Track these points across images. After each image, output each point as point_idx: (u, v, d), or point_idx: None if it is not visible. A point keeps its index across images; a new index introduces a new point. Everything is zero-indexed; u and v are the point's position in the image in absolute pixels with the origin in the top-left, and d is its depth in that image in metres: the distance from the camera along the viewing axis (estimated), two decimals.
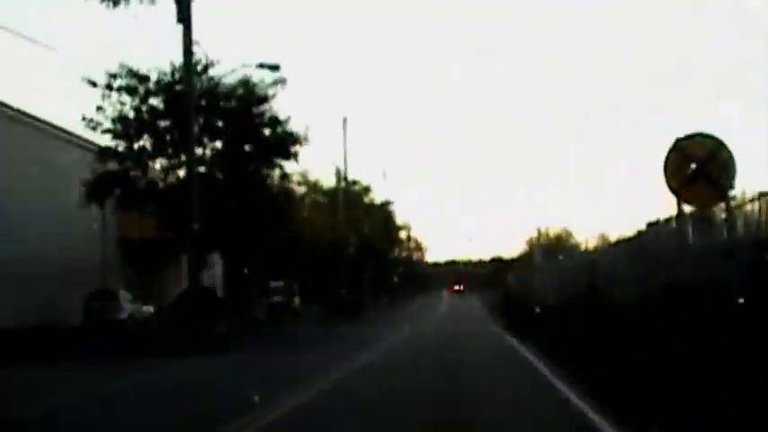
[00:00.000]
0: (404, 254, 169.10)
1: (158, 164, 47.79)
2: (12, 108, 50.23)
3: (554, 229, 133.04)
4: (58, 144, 53.93)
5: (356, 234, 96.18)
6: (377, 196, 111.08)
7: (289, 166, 51.98)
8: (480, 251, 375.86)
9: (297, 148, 49.25)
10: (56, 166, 51.22)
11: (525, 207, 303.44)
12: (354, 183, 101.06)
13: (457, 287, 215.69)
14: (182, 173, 48.07)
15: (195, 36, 39.06)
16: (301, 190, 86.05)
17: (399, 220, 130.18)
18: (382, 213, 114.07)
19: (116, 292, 53.91)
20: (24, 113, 51.52)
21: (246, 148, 48.85)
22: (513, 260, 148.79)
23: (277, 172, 50.84)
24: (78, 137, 51.56)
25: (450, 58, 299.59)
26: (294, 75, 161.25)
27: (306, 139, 49.05)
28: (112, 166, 46.52)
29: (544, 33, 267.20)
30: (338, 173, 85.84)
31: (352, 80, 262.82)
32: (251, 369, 28.45)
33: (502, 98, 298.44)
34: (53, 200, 50.65)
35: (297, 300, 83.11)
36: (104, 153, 46.36)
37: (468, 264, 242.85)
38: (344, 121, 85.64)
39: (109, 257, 60.68)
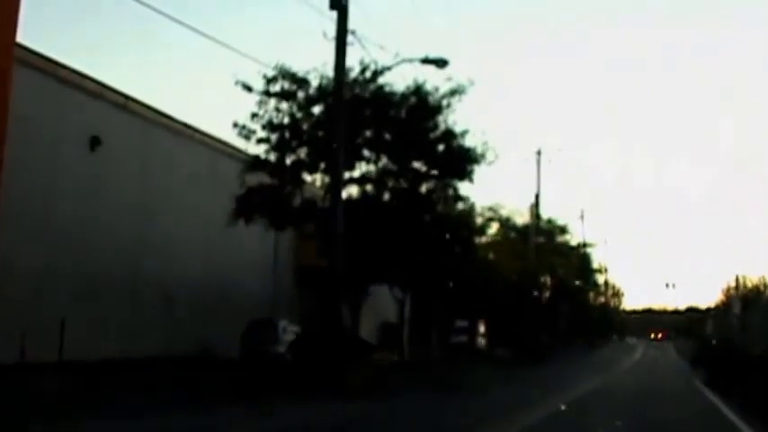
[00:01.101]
0: (600, 299, 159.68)
1: (319, 179, 39.94)
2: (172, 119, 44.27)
3: (752, 279, 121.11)
4: (218, 156, 46.77)
5: (549, 275, 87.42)
6: (573, 237, 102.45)
7: (465, 189, 43.48)
8: (676, 299, 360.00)
9: (473, 166, 40.73)
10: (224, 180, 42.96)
11: (724, 255, 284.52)
12: (549, 222, 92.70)
13: (655, 335, 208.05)
14: (349, 191, 40.81)
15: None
16: (493, 226, 78.04)
17: (596, 264, 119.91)
18: (578, 255, 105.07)
19: (275, 322, 45.14)
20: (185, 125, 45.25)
21: (416, 164, 40.65)
22: (708, 309, 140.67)
23: (451, 193, 42.28)
24: (234, 147, 43.48)
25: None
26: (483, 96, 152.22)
27: (484, 156, 40.68)
28: (265, 180, 39.02)
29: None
30: (531, 208, 76.88)
31: (547, 103, 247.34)
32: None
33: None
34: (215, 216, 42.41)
35: (482, 340, 74.89)
36: (256, 163, 38.80)
37: (663, 312, 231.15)
38: (539, 153, 77.09)
39: (281, 286, 53.46)
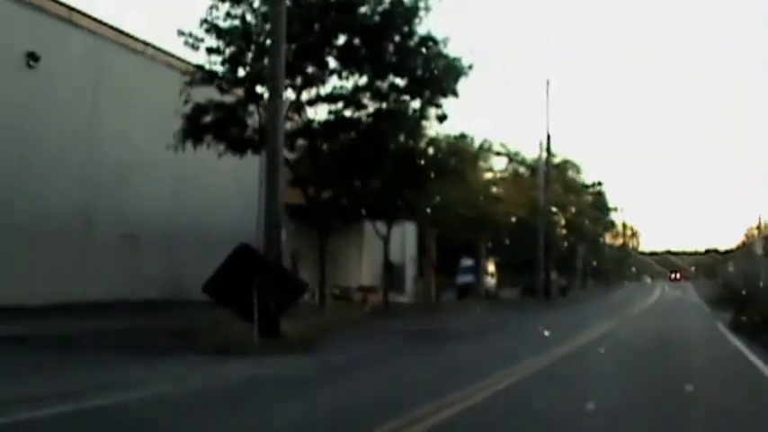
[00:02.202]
0: (618, 240, 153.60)
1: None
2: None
3: None
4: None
5: (562, 213, 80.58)
6: (588, 176, 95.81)
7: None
8: (695, 241, 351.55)
9: (457, 79, 33.70)
10: None
11: (746, 196, 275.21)
12: (565, 162, 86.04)
13: (674, 276, 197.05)
14: (318, 111, 34.31)
15: None
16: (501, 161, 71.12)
17: (612, 204, 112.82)
18: (593, 194, 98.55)
19: None
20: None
21: (393, 80, 33.82)
22: (729, 251, 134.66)
23: (433, 113, 35.14)
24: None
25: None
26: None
27: (471, 67, 33.67)
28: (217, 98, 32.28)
29: None
30: (541, 145, 69.79)
31: (558, 40, 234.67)
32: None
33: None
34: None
35: (491, 281, 68.17)
36: (203, 76, 31.90)
37: (681, 254, 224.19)
38: (547, 83, 69.63)
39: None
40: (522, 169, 73.85)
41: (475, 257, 64.88)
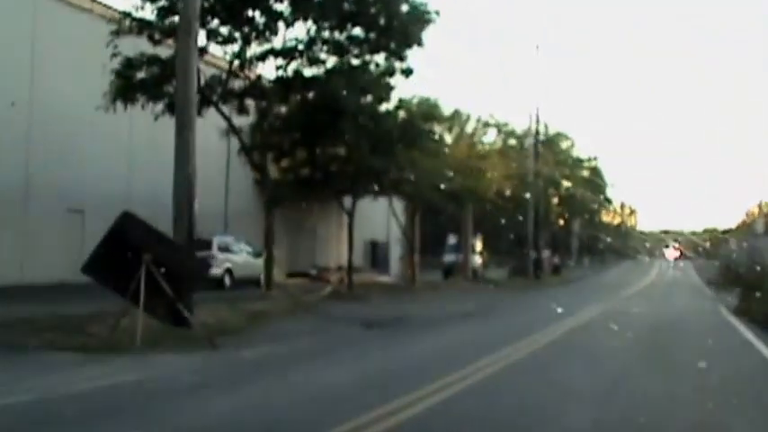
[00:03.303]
0: (614, 219, 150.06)
1: (227, 51, 29.23)
2: None
3: None
4: None
5: (554, 188, 76.51)
6: (582, 151, 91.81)
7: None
8: (693, 221, 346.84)
9: (422, 28, 29.53)
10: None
11: (744, 178, 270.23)
12: (559, 135, 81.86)
13: (672, 254, 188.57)
14: (267, 68, 30.27)
15: None
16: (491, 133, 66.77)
17: (608, 180, 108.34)
18: (589, 169, 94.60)
19: (209, 240, 34.93)
20: None
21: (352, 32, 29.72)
22: (729, 230, 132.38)
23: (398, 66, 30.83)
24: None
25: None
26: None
27: (438, 13, 29.49)
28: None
29: None
30: (531, 116, 65.53)
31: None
32: None
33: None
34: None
35: (478, 259, 64.06)
36: (131, 24, 27.70)
37: (679, 234, 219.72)
38: (537, 48, 65.55)
39: (242, 197, 43.94)
40: (512, 141, 69.41)
41: (460, 235, 60.76)
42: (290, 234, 46.45)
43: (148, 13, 27.58)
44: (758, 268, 42.38)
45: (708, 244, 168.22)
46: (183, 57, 19.73)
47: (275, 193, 31.58)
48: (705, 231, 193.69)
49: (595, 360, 16.62)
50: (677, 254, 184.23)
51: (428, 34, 30.10)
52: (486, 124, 65.17)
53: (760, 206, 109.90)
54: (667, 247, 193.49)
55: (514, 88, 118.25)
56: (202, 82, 28.31)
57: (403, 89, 40.58)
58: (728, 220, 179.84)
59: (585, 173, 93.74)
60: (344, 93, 29.56)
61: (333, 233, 52.42)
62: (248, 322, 21.36)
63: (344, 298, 33.07)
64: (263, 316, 22.98)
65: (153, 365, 14.18)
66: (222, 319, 20.46)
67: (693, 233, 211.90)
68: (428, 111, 38.08)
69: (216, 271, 34.49)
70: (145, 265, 15.98)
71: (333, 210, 46.96)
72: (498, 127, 67.55)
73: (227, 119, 29.99)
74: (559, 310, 30.20)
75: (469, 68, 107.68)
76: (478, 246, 65.25)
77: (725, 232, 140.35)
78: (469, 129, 57.96)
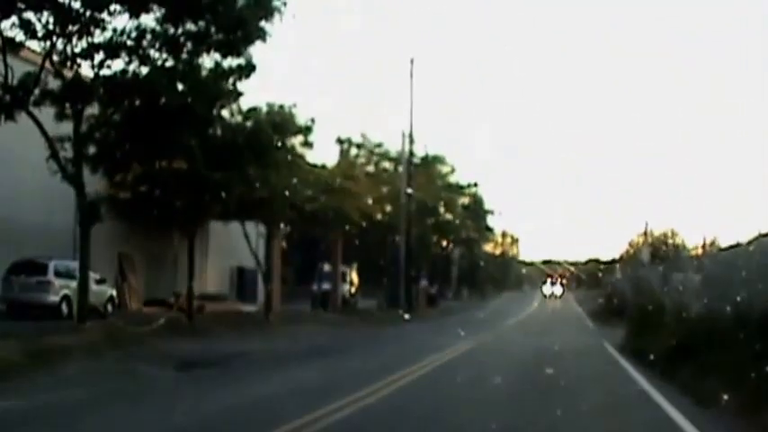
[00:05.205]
0: (496, 249, 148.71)
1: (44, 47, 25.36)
2: None
3: (656, 230, 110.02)
4: None
5: (432, 215, 73.39)
6: (462, 178, 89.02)
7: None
8: (575, 252, 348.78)
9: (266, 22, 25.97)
10: None
11: (622, 209, 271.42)
12: (436, 158, 78.47)
13: (552, 284, 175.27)
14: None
15: None
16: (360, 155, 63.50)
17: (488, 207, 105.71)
18: (469, 196, 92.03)
19: (45, 262, 32.54)
20: None
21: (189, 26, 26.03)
22: (613, 261, 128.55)
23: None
24: None
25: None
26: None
27: (285, 4, 25.95)
28: None
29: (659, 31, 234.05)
30: (404, 135, 62.10)
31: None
32: None
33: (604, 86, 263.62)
34: None
35: (351, 288, 60.86)
36: None
37: (561, 264, 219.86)
38: (411, 62, 61.45)
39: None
40: (387, 164, 66.16)
41: (330, 261, 57.35)
42: (151, 260, 43.00)
43: None
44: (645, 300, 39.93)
45: (584, 276, 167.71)
46: None
47: (91, 210, 27.44)
48: (588, 262, 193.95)
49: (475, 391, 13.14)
50: (560, 289, 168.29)
51: (279, 30, 26.66)
52: (359, 146, 62.26)
53: (645, 232, 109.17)
54: (545, 283, 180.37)
55: (393, 108, 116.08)
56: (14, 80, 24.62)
57: (258, 98, 36.88)
58: (610, 251, 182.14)
59: (466, 200, 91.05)
60: (171, 94, 25.95)
61: (195, 259, 48.76)
62: (32, 362, 17.48)
63: (181, 331, 29.25)
64: (57, 353, 19.05)
65: None
66: None
67: (577, 263, 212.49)
68: (281, 121, 34.44)
69: (52, 298, 32.09)
70: None
71: (197, 234, 43.52)
72: (370, 149, 64.40)
73: (39, 123, 25.89)
74: (415, 349, 26.56)
75: (347, 85, 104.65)
76: (354, 275, 62.09)
77: (607, 263, 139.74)
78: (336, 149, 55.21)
